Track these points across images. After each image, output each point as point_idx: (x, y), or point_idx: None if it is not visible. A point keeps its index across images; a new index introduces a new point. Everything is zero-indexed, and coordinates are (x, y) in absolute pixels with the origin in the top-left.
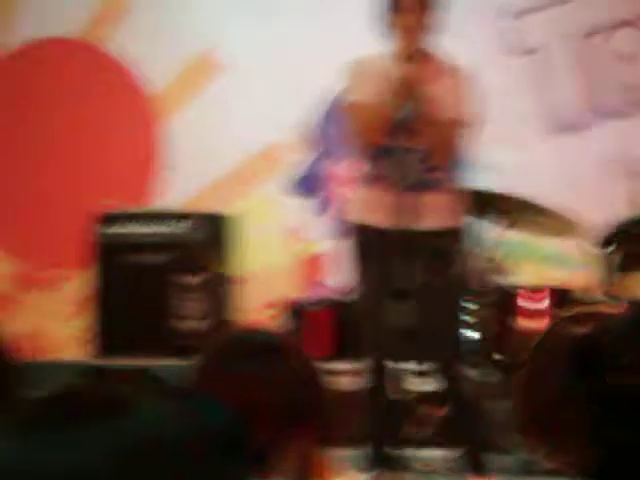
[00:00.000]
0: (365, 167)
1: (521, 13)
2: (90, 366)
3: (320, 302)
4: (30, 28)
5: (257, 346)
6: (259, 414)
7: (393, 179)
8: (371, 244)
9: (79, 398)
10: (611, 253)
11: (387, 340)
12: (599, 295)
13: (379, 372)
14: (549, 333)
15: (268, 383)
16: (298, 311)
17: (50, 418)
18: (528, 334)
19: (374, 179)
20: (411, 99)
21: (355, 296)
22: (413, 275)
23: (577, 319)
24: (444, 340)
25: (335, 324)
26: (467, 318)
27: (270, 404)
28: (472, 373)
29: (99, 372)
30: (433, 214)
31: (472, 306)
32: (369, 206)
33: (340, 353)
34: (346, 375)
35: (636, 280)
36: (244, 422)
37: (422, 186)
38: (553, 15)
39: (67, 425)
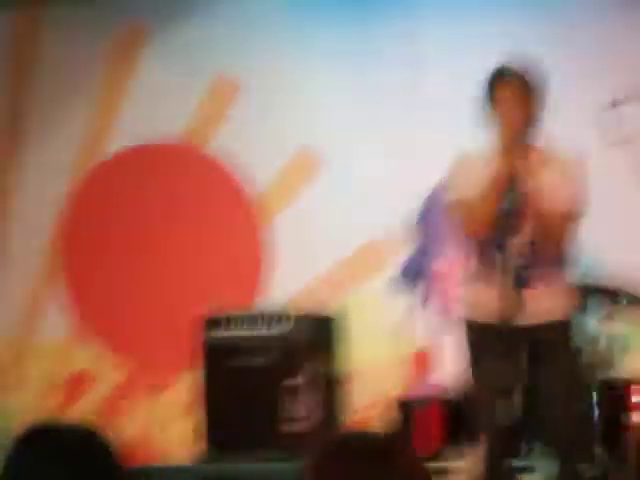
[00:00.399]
0: (472, 263)
1: (619, 102)
2: (201, 471)
3: (427, 399)
4: (131, 133)
5: (367, 447)
6: None
7: (500, 274)
8: (481, 341)
9: None
10: None
11: (497, 437)
12: None
13: (494, 469)
14: None
15: None
16: (405, 409)
17: None
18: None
19: (482, 275)
20: (513, 192)
21: (467, 392)
22: (520, 371)
23: None
24: (562, 430)
25: (443, 421)
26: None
27: None
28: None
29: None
30: (540, 308)
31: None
32: (479, 302)
33: (448, 450)
34: (456, 473)
35: None
36: None
37: (529, 280)
38: None
39: None
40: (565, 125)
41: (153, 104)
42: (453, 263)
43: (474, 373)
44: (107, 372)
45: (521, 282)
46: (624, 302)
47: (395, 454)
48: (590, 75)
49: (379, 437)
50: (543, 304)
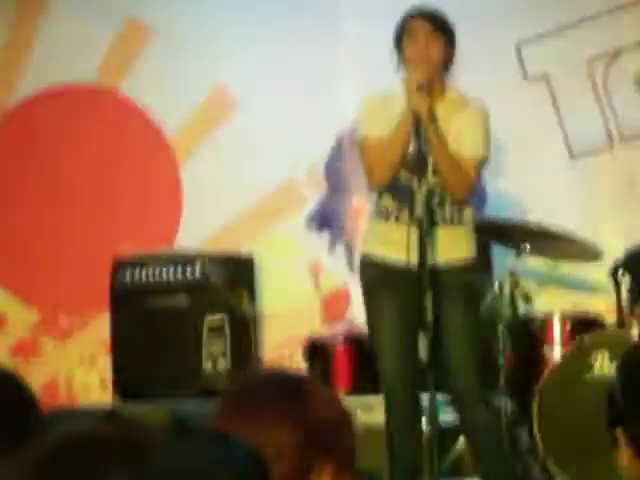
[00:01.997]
0: (377, 202)
1: (536, 39)
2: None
3: (341, 338)
4: (42, 76)
5: (280, 386)
6: (284, 454)
7: (405, 214)
8: (386, 279)
9: (95, 442)
10: (625, 277)
11: (410, 373)
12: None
13: (409, 405)
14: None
15: (292, 423)
16: (320, 347)
17: (63, 465)
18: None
19: (386, 214)
20: (421, 133)
21: (373, 331)
22: (431, 308)
23: None
24: (461, 373)
25: (357, 359)
26: (494, 348)
27: (295, 444)
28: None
29: (115, 415)
30: (449, 248)
31: (500, 336)
32: (381, 240)
33: (363, 387)
34: (372, 409)
35: None
36: (267, 462)
37: (436, 220)
38: (567, 39)
39: (83, 471)
40: (480, 65)
41: (65, 48)
42: (365, 201)
43: (378, 311)
44: (18, 316)
45: (428, 222)
46: (540, 237)
47: (310, 390)
48: (497, 18)
49: (292, 375)
50: (451, 244)
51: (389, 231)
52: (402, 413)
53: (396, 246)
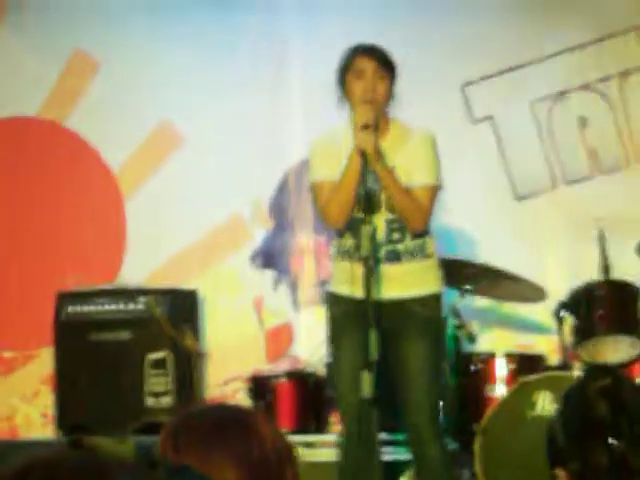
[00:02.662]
0: (338, 241)
1: (479, 81)
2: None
3: (286, 374)
4: None
5: (223, 420)
6: None
7: (361, 251)
8: (346, 315)
9: (59, 468)
10: (569, 318)
11: (363, 410)
12: (560, 359)
13: (361, 442)
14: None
15: (236, 460)
16: (263, 384)
17: None
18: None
19: (348, 253)
20: (372, 169)
21: (331, 366)
22: (377, 345)
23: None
24: (421, 408)
25: (300, 396)
26: (444, 386)
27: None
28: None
29: (76, 443)
30: (413, 282)
31: (448, 374)
32: (344, 279)
33: (306, 425)
34: (322, 447)
35: (594, 344)
36: None
37: (392, 256)
38: (512, 81)
39: None
40: (424, 104)
41: (10, 81)
42: (311, 238)
43: (334, 349)
44: None
45: (386, 257)
46: (486, 277)
47: (255, 424)
48: (441, 59)
49: (235, 409)
50: (409, 278)
51: (351, 269)
52: (359, 444)
53: (358, 284)
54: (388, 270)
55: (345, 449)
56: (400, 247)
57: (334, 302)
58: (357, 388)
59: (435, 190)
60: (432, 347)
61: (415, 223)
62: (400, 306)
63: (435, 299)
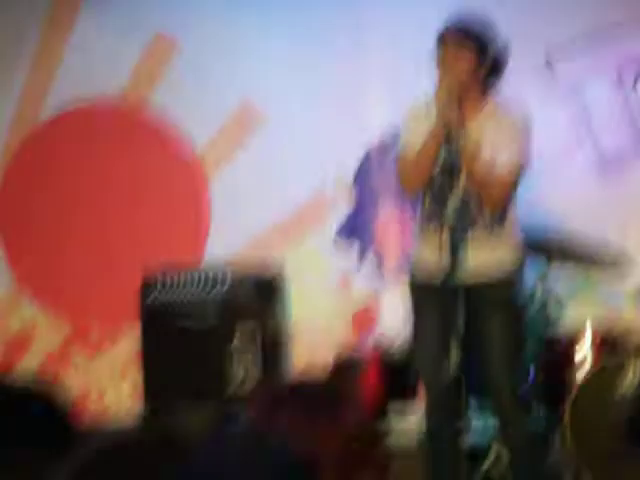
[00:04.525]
0: (421, 205)
1: (567, 55)
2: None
3: (369, 357)
4: (68, 95)
5: (327, 394)
6: (323, 466)
7: (440, 222)
8: (422, 299)
9: (139, 446)
10: None
11: (444, 391)
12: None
13: (448, 406)
14: None
15: (337, 431)
16: (350, 362)
17: (106, 465)
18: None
19: (428, 217)
20: (451, 146)
21: (412, 345)
22: (466, 323)
23: None
24: (503, 384)
25: (385, 378)
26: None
27: (333, 456)
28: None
29: (154, 418)
30: (482, 266)
31: (530, 352)
32: (421, 261)
33: (391, 407)
34: (404, 427)
35: None
36: (305, 463)
37: (471, 237)
38: (599, 49)
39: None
40: (512, 76)
41: (90, 66)
42: (394, 218)
43: (414, 332)
44: (47, 333)
45: (463, 239)
46: (564, 259)
47: (352, 401)
48: (525, 35)
49: (325, 385)
50: (486, 261)
51: (433, 237)
52: (444, 414)
53: (440, 252)
54: (465, 238)
55: (429, 425)
56: (472, 229)
57: (415, 269)
58: (440, 361)
59: (519, 170)
60: (510, 322)
61: (493, 200)
62: (476, 281)
63: (513, 273)
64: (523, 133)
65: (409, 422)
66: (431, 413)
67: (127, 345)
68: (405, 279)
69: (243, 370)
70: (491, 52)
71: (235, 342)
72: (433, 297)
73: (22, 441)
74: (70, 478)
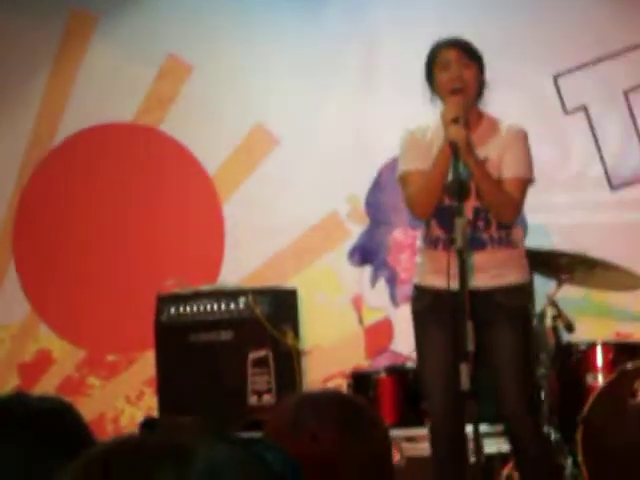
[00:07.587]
0: (426, 231)
1: (572, 70)
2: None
3: (386, 370)
4: (83, 118)
5: (354, 407)
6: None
7: (452, 240)
8: (435, 307)
9: (138, 448)
10: None
11: (455, 402)
12: None
13: (455, 435)
14: None
15: (365, 446)
16: (364, 380)
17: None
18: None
19: (435, 242)
20: (462, 161)
21: (420, 360)
22: (473, 337)
23: None
24: (514, 399)
25: (401, 391)
26: (541, 376)
27: (344, 466)
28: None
29: (155, 423)
30: (489, 272)
31: (543, 364)
32: (431, 269)
33: (407, 419)
34: (422, 441)
35: None
36: (303, 469)
37: (477, 244)
38: (606, 71)
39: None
40: (513, 93)
41: (104, 89)
42: (408, 233)
43: (419, 344)
44: (64, 354)
45: (474, 248)
46: (582, 266)
47: (375, 417)
48: (531, 50)
49: (351, 399)
50: (492, 267)
51: (438, 259)
52: (447, 443)
53: (444, 274)
54: (472, 258)
55: (434, 445)
56: (485, 236)
57: (418, 295)
58: (445, 385)
59: (526, 183)
60: (519, 336)
61: (504, 215)
62: (484, 295)
63: (520, 288)
64: (525, 146)
65: (423, 434)
66: (436, 442)
67: (142, 368)
68: (410, 304)
69: (259, 388)
70: (484, 70)
71: (251, 359)
72: (440, 322)
73: (39, 457)
74: (83, 469)
